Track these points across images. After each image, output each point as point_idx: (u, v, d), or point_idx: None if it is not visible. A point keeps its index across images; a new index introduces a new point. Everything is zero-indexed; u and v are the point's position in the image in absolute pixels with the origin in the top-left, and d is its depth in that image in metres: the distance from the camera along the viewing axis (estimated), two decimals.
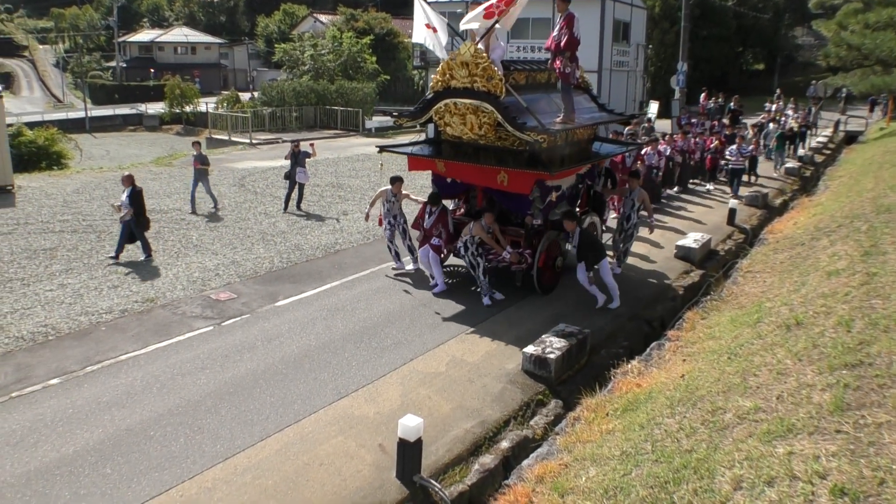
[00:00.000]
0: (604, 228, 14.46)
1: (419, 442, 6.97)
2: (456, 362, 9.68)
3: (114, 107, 64.92)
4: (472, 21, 11.41)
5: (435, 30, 12.28)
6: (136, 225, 13.73)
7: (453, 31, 12.55)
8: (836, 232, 13.20)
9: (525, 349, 9.63)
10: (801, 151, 28.80)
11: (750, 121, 31.27)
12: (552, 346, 9.62)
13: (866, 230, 11.99)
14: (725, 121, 29.50)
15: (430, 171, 13.21)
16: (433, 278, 12.54)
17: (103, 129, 56.46)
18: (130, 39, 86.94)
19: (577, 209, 13.41)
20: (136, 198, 13.69)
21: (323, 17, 72.50)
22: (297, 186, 18.56)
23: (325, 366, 9.45)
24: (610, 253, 13.64)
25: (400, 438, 6.93)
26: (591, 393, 8.77)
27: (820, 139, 32.78)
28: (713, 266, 14.67)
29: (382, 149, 13.30)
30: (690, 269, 14.27)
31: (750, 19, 53.13)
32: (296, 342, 10.21)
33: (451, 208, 13.48)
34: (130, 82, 77.19)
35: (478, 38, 11.28)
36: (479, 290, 12.05)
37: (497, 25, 11.27)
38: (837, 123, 36.91)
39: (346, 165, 27.01)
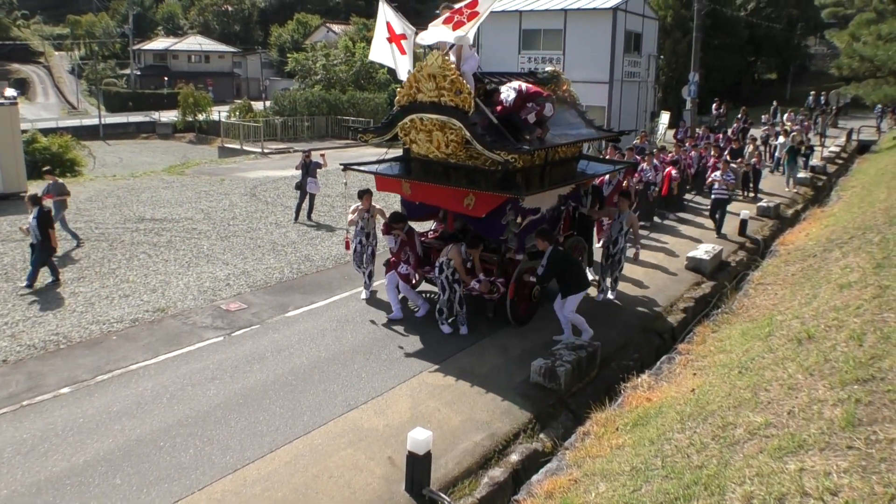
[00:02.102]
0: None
1: (428, 455, 6.97)
2: (465, 374, 9.67)
3: (127, 114, 65.49)
4: (430, 35, 10.51)
5: (403, 37, 11.12)
6: (41, 249, 12.69)
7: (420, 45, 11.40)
8: (848, 244, 13.13)
9: (534, 361, 9.61)
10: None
11: (757, 132, 31.05)
12: (562, 358, 9.60)
13: (878, 242, 11.91)
14: (730, 134, 28.82)
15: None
16: (395, 307, 11.71)
17: (117, 137, 56.95)
18: (145, 47, 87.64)
19: (560, 232, 12.58)
20: (42, 219, 12.66)
21: (336, 27, 72.88)
22: (307, 196, 18.61)
23: (334, 377, 9.46)
24: (596, 278, 13.18)
25: (409, 451, 6.94)
26: (601, 407, 8.74)
27: (832, 149, 32.59)
28: (724, 277, 14.62)
29: (346, 167, 12.15)
30: (702, 281, 14.22)
31: (762, 29, 53.03)
32: (305, 353, 10.23)
33: (423, 231, 12.65)
34: (144, 90, 77.73)
35: (447, 48, 10.29)
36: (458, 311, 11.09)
37: (461, 34, 10.17)
38: (850, 133, 36.70)
39: (356, 175, 26.90)
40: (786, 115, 36.03)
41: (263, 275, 13.78)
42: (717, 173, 18.10)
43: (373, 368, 9.75)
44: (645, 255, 15.75)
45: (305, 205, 18.72)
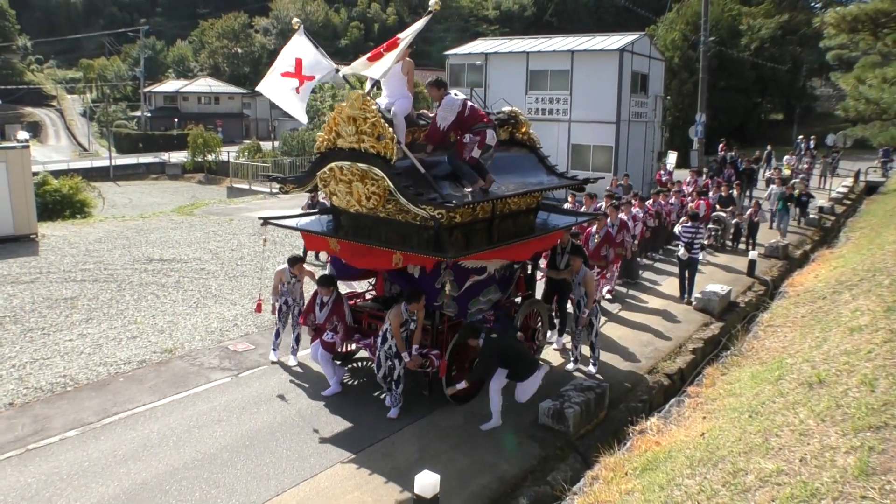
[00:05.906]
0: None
1: (436, 498, 6.91)
2: (473, 415, 9.60)
3: (138, 155, 66.22)
4: (356, 68, 9.45)
5: (311, 78, 9.63)
6: None
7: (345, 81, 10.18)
8: (857, 286, 13.07)
9: (542, 403, 9.53)
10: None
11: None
12: (570, 399, 9.52)
13: (889, 285, 11.86)
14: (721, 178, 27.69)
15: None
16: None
17: (127, 178, 57.44)
18: (156, 89, 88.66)
19: (519, 295, 11.49)
20: None
21: (344, 68, 73.58)
22: None
23: (342, 419, 9.41)
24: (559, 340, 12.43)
25: (416, 494, 6.88)
26: (610, 450, 8.64)
27: (840, 189, 32.60)
28: (733, 318, 14.55)
29: (266, 221, 10.68)
30: (710, 321, 14.15)
31: (768, 70, 53.49)
32: (313, 394, 10.19)
33: (359, 291, 11.82)
34: (154, 131, 78.49)
35: (368, 87, 9.22)
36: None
37: (379, 69, 8.99)
38: (858, 173, 36.74)
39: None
40: (785, 158, 35.84)
41: (271, 315, 13.73)
42: (688, 224, 15.30)
43: (380, 410, 9.69)
44: (652, 294, 15.76)
45: None
